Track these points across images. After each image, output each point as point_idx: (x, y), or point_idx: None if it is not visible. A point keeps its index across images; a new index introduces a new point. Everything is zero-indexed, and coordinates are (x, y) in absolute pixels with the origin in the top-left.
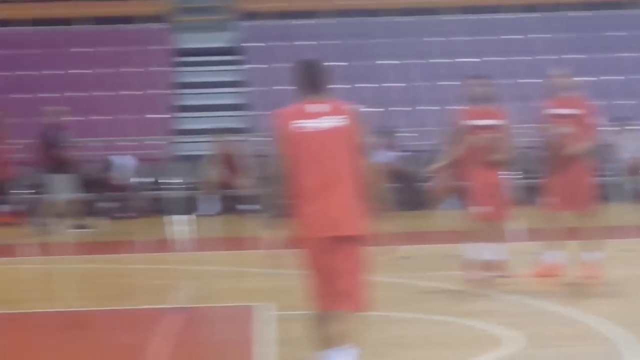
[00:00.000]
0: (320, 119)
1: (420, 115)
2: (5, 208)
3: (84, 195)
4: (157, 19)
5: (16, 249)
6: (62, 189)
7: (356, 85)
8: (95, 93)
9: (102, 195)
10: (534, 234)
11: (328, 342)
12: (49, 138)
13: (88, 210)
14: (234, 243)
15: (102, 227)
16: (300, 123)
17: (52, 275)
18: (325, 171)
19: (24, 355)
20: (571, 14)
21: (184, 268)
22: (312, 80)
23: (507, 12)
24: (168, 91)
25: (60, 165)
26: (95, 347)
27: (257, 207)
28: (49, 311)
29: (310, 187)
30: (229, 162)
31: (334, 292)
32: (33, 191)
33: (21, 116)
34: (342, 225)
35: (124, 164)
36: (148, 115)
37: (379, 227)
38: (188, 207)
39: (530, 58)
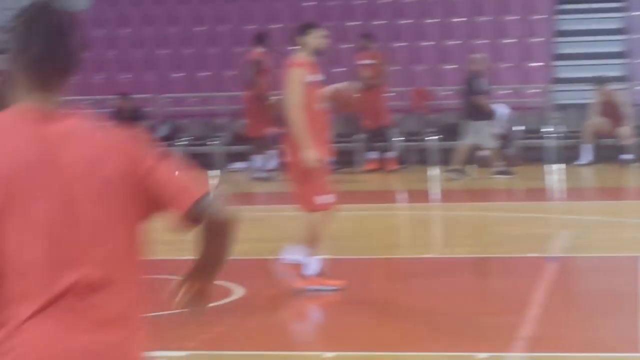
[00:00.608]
0: None
1: None
2: (380, 155)
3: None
4: None
5: (393, 195)
6: (480, 136)
7: None
8: (473, 41)
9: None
10: None
11: None
12: (471, 85)
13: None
14: (611, 193)
15: (474, 175)
16: None
17: (430, 221)
18: None
19: (402, 298)
20: None
21: (559, 217)
22: None
23: None
24: (549, 39)
25: (479, 113)
26: (474, 293)
27: (636, 156)
28: (426, 257)
29: None
30: (609, 110)
31: None
32: (403, 138)
33: (399, 64)
34: None
35: (503, 113)
36: (527, 64)
37: None
38: (565, 156)
39: None
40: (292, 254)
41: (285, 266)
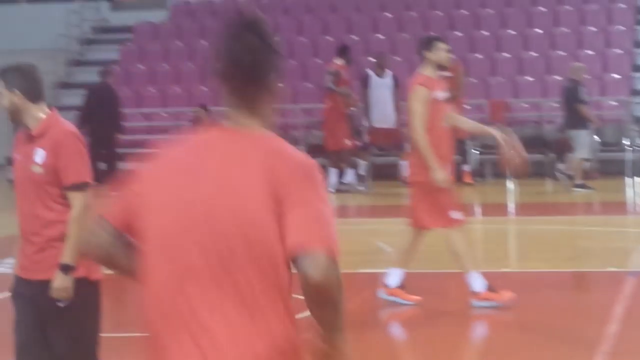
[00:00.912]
0: None
1: None
2: (457, 168)
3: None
4: None
5: (469, 208)
6: (583, 146)
7: None
8: (551, 52)
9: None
10: None
11: None
12: (573, 94)
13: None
14: None
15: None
16: None
17: (507, 235)
18: None
19: (479, 313)
20: None
21: (639, 231)
22: None
23: None
24: (629, 50)
25: (581, 122)
26: (553, 308)
27: None
28: (503, 271)
29: None
30: None
31: None
32: (480, 151)
33: (477, 76)
34: None
35: None
36: (607, 75)
37: None
38: None
39: None
40: (474, 284)
41: (477, 296)
